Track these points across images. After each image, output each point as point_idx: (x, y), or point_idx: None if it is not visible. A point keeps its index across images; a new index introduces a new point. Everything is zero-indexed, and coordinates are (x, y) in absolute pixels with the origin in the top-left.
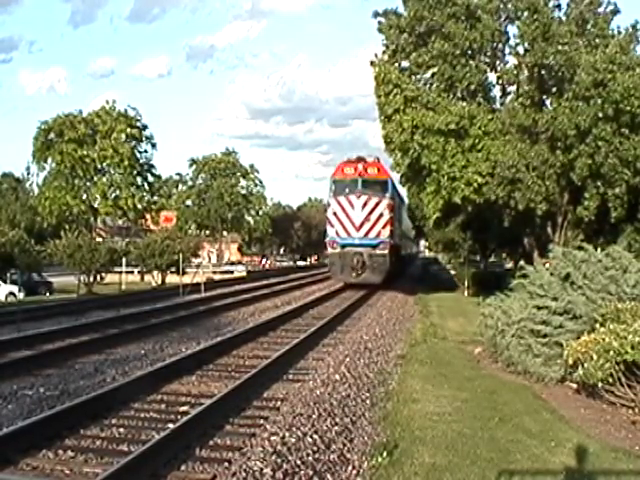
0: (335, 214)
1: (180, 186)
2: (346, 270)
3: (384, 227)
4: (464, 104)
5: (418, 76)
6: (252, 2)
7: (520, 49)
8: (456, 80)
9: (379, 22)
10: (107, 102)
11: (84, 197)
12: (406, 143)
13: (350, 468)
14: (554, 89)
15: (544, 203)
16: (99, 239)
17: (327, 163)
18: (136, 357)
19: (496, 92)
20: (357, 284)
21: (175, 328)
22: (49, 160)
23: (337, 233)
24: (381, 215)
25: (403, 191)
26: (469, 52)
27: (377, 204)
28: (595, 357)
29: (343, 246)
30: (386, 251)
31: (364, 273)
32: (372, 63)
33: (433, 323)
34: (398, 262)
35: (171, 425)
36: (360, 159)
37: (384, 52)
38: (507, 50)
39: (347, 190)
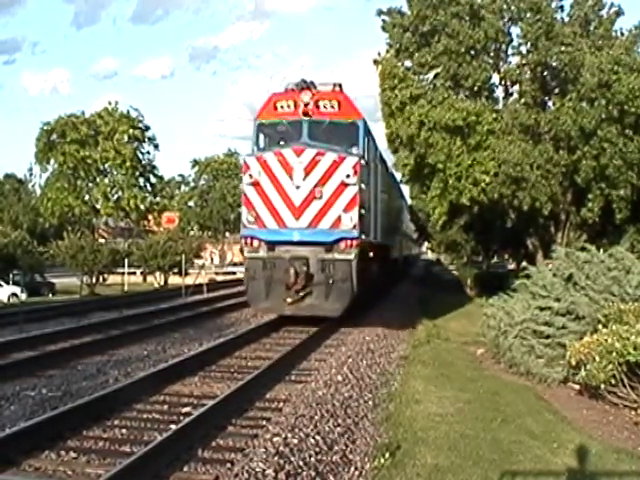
0: (257, 186)
1: (182, 187)
2: (276, 291)
3: (348, 209)
4: (470, 102)
5: (421, 76)
6: (255, 3)
7: (523, 49)
8: (461, 77)
9: (383, 20)
10: (109, 103)
11: (86, 198)
12: (413, 138)
13: (352, 469)
14: (557, 90)
15: (549, 203)
16: (101, 240)
17: None
18: (138, 358)
19: (499, 93)
20: (297, 317)
21: (177, 329)
22: (51, 161)
23: (260, 221)
24: (343, 186)
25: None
26: (472, 52)
27: (335, 166)
28: (598, 358)
29: (271, 245)
30: (351, 255)
31: (309, 297)
32: (375, 62)
33: (436, 324)
34: (382, 272)
35: (173, 426)
36: (306, 85)
37: (387, 51)
38: (510, 51)
39: (281, 142)
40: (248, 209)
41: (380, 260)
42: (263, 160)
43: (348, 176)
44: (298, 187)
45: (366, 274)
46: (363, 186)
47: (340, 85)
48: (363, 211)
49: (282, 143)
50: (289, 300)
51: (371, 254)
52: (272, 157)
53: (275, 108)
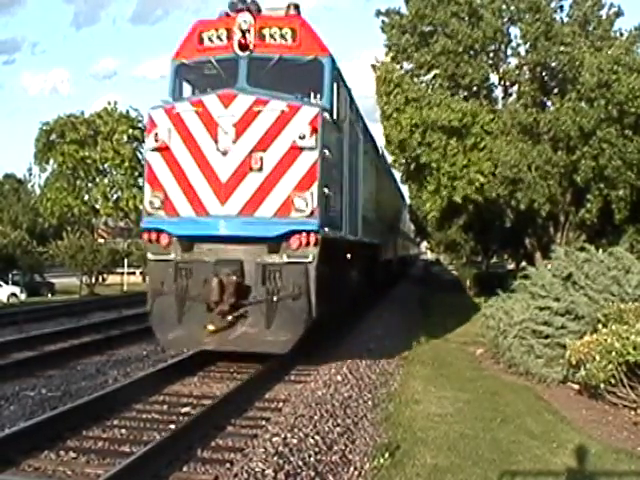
0: (165, 152)
1: None
2: (192, 313)
3: (302, 186)
4: (467, 103)
5: (420, 77)
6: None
7: (522, 50)
8: (459, 77)
9: (382, 21)
10: (109, 103)
11: (85, 198)
12: (404, 142)
13: (352, 469)
14: (556, 90)
15: (547, 204)
16: (101, 240)
17: None
18: (138, 358)
19: (498, 93)
20: (222, 351)
21: None
22: (51, 161)
23: (169, 206)
24: (295, 152)
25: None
26: (471, 52)
27: (284, 121)
28: (597, 358)
29: (187, 242)
30: (308, 257)
31: (241, 323)
32: (374, 67)
33: (435, 324)
34: (367, 279)
35: (173, 426)
36: (245, 6)
37: (386, 53)
38: (509, 52)
39: (207, 88)
40: (153, 187)
41: (363, 263)
42: (175, 114)
43: (303, 136)
44: (226, 153)
45: (336, 285)
46: (327, 153)
47: (297, 6)
48: (328, 191)
49: (207, 90)
50: (211, 327)
51: (348, 255)
52: (188, 109)
53: (200, 41)
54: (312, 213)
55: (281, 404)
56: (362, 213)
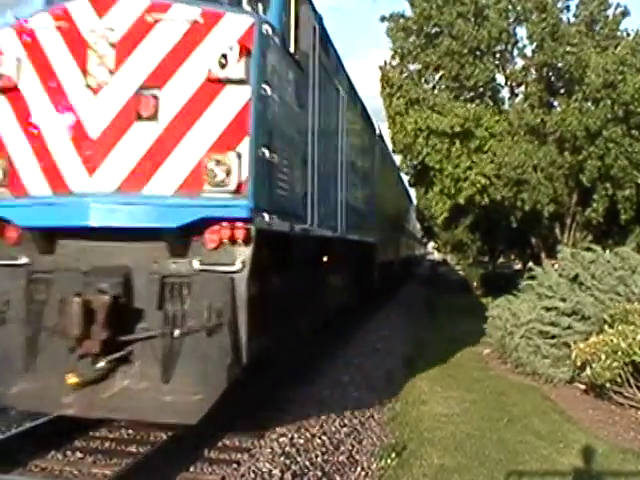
0: (12, 94)
1: None
2: (48, 355)
3: (223, 143)
4: (471, 106)
5: (428, 77)
6: None
7: (528, 51)
8: (464, 78)
9: (387, 25)
10: None
11: None
12: (409, 146)
13: (359, 469)
14: (562, 90)
15: (551, 205)
16: None
17: None
18: None
19: (504, 93)
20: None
21: None
22: None
23: (14, 179)
24: (213, 85)
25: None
26: (477, 52)
27: (194, 36)
28: (603, 358)
29: (44, 237)
30: (236, 263)
31: (122, 372)
32: (381, 68)
33: (441, 324)
34: (358, 286)
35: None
36: None
37: (392, 57)
38: (515, 52)
39: None
40: None
41: (350, 267)
42: (28, 33)
43: (224, 61)
44: (99, 90)
45: (293, 305)
46: (269, 92)
47: None
48: (270, 155)
49: None
50: (73, 380)
51: (325, 258)
52: (47, 24)
53: None
54: (239, 188)
55: (287, 404)
56: (347, 202)
